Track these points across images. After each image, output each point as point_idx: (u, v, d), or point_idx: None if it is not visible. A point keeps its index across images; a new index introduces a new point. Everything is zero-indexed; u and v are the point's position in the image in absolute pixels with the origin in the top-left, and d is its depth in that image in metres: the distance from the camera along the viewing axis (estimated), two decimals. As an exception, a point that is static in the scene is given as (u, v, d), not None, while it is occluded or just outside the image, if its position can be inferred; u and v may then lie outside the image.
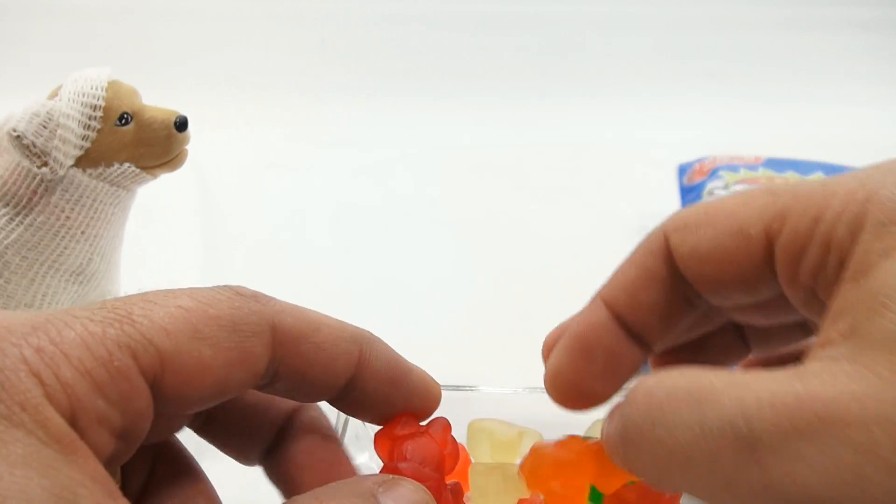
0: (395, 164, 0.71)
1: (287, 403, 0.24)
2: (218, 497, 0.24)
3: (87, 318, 0.18)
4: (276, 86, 0.81)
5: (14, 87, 0.45)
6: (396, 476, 0.21)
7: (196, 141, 0.38)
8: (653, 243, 0.27)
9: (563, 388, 0.28)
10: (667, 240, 0.26)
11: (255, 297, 0.21)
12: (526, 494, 0.32)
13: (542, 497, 0.32)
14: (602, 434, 0.23)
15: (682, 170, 0.62)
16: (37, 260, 0.36)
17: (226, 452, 0.24)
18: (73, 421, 0.17)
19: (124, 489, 0.23)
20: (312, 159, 0.71)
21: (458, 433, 0.35)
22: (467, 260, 0.57)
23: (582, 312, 0.28)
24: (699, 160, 0.62)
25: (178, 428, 0.23)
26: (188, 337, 0.19)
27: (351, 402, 0.23)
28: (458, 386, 0.37)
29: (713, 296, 0.26)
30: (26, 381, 0.16)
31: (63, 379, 0.17)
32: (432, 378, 0.25)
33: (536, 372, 0.46)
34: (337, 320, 0.23)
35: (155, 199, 0.43)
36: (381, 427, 0.25)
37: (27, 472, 0.15)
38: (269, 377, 0.21)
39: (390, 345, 0.25)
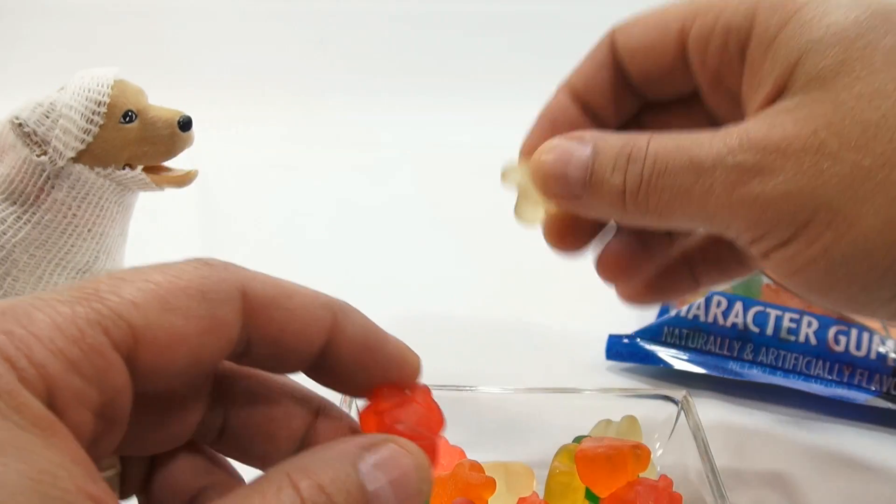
0: (395, 164, 0.71)
1: (308, 408, 0.24)
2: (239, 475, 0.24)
3: (54, 300, 0.18)
4: (276, 86, 0.81)
5: (20, 87, 0.45)
6: (385, 435, 0.20)
7: (196, 140, 0.38)
8: (604, 40, 0.34)
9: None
10: (614, 36, 0.33)
11: (225, 265, 0.21)
12: (526, 493, 0.32)
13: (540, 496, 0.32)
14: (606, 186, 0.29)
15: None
16: (44, 258, 0.36)
17: (249, 464, 0.24)
18: (50, 401, 0.17)
19: (126, 473, 0.23)
20: (312, 159, 0.71)
21: (458, 435, 0.35)
22: (467, 260, 0.57)
23: (549, 99, 0.35)
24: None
25: (182, 438, 0.23)
26: (158, 309, 0.19)
27: (327, 373, 0.23)
28: (458, 386, 0.37)
29: (643, 83, 0.33)
30: None
31: (36, 360, 0.16)
32: (411, 349, 0.24)
33: (536, 372, 0.46)
34: (310, 289, 0.22)
35: (156, 198, 0.43)
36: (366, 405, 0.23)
37: (2, 458, 0.15)
38: (242, 345, 0.21)
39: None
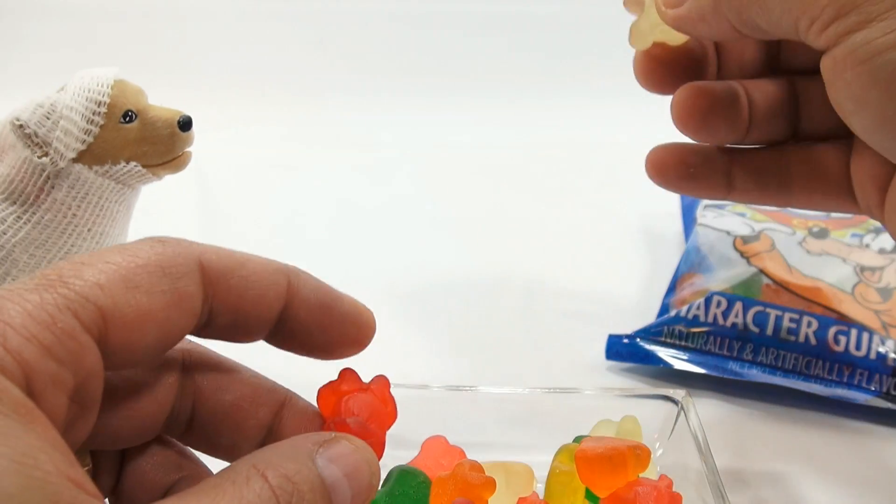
0: (395, 164, 0.71)
1: (274, 399, 0.24)
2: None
3: (20, 289, 0.18)
4: (276, 86, 0.81)
5: (20, 87, 0.45)
6: (338, 433, 0.21)
7: (196, 140, 0.38)
8: None
9: None
10: None
11: (178, 241, 0.21)
12: (526, 493, 0.32)
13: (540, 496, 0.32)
14: None
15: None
16: (44, 258, 0.36)
17: (216, 457, 0.24)
18: (28, 387, 0.17)
19: (99, 471, 0.23)
20: (312, 159, 0.71)
21: (458, 435, 0.35)
22: (467, 260, 0.57)
23: None
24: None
25: (153, 430, 0.23)
26: (122, 288, 0.19)
27: (287, 336, 0.24)
28: (458, 386, 0.37)
29: None
30: None
31: (11, 348, 0.17)
32: (364, 305, 0.25)
33: (536, 372, 0.46)
34: (263, 257, 0.23)
35: (156, 198, 0.43)
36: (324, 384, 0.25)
37: None
38: (204, 316, 0.22)
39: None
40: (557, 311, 0.51)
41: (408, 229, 0.61)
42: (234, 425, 0.24)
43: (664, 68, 0.35)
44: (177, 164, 0.37)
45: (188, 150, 0.38)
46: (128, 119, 0.36)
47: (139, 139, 0.36)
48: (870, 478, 0.38)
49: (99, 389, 0.19)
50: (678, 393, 0.36)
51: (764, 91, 0.36)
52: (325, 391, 0.24)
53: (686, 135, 0.35)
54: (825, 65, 0.28)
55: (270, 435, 0.24)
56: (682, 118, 0.35)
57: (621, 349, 0.45)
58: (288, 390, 0.25)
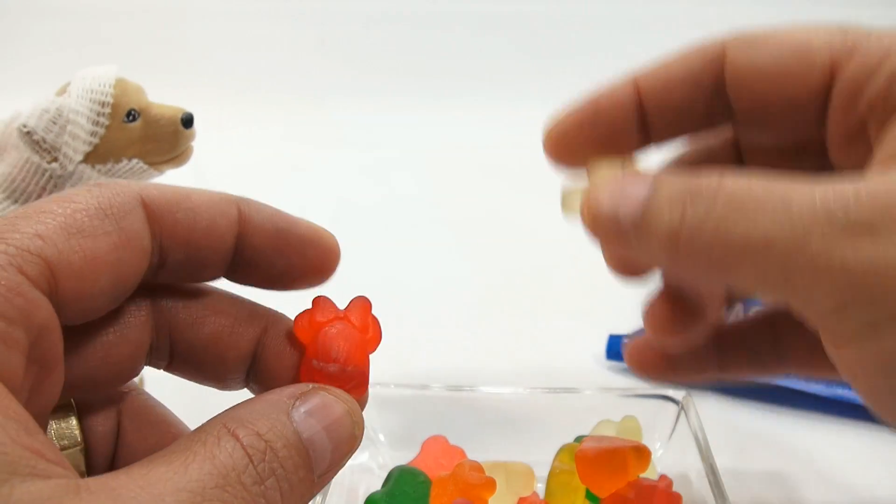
0: (395, 164, 0.71)
1: (255, 325, 0.23)
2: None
3: None
4: (277, 86, 0.81)
5: (20, 86, 0.45)
6: (315, 386, 0.20)
7: (196, 140, 0.38)
8: (708, 51, 0.27)
9: (557, 138, 0.28)
10: (724, 51, 0.26)
11: (117, 182, 0.21)
12: (526, 493, 0.32)
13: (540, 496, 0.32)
14: (645, 228, 0.23)
15: (682, 170, 0.63)
16: (45, 255, 0.37)
17: (206, 384, 0.24)
18: None
19: (92, 449, 0.23)
20: (312, 159, 0.71)
21: (458, 435, 0.35)
22: (467, 260, 0.57)
23: (610, 83, 0.28)
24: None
25: (132, 371, 0.23)
26: (64, 235, 0.19)
27: (246, 269, 0.23)
28: (458, 386, 0.37)
29: (750, 121, 0.27)
30: None
31: None
32: (323, 227, 0.24)
33: (536, 372, 0.46)
34: (209, 189, 0.22)
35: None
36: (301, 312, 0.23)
37: None
38: (156, 255, 0.21)
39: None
40: (557, 310, 0.51)
41: (408, 229, 0.61)
42: (216, 357, 0.23)
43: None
44: (180, 159, 0.38)
45: (190, 145, 0.38)
46: (131, 118, 0.36)
47: (143, 137, 0.36)
48: (870, 478, 0.38)
49: (58, 345, 0.19)
50: (678, 393, 0.36)
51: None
52: (300, 321, 0.23)
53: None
54: (828, 346, 0.23)
55: (257, 361, 0.23)
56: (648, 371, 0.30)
57: (621, 349, 0.45)
58: (270, 311, 0.24)
